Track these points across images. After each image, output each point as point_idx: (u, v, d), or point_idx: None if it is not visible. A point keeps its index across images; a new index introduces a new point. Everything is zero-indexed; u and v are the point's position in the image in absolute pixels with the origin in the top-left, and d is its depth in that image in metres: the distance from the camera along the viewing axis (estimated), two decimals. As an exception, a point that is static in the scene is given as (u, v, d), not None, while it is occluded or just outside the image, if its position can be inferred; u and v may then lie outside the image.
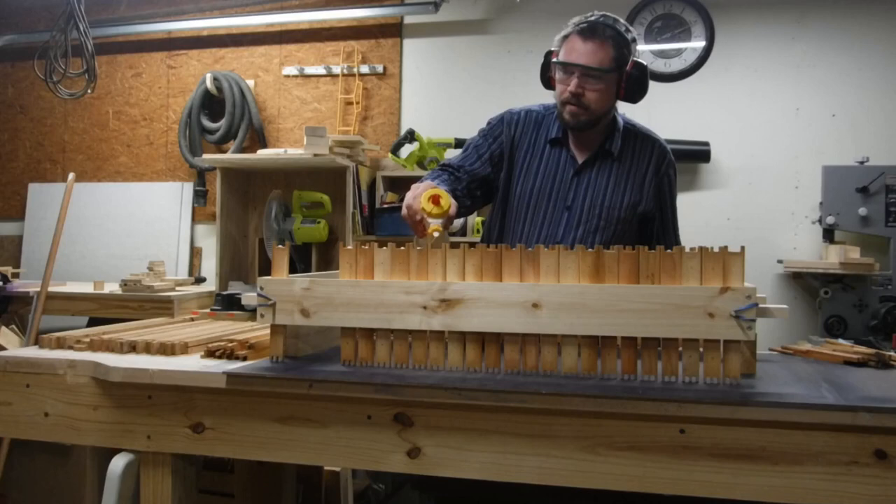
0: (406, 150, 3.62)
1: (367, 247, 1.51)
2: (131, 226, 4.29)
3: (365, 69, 4.09)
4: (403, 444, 1.39)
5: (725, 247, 1.36)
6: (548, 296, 1.38)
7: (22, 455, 3.10)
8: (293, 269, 3.61)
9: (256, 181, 4.08)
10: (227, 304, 3.31)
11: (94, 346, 1.68)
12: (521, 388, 1.33)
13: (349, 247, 1.53)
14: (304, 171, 3.96)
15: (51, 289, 3.47)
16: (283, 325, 1.52)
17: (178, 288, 3.70)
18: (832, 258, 3.31)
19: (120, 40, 4.42)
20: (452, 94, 4.03)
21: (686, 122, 3.72)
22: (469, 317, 1.42)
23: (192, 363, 1.56)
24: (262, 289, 1.51)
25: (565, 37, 1.96)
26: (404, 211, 1.78)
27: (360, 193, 3.78)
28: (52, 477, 3.02)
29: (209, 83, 4.06)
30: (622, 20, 1.97)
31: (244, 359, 1.58)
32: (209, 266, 4.12)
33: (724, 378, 1.36)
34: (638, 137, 2.08)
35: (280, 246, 1.56)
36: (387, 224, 3.76)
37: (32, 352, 1.68)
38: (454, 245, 1.53)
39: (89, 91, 3.58)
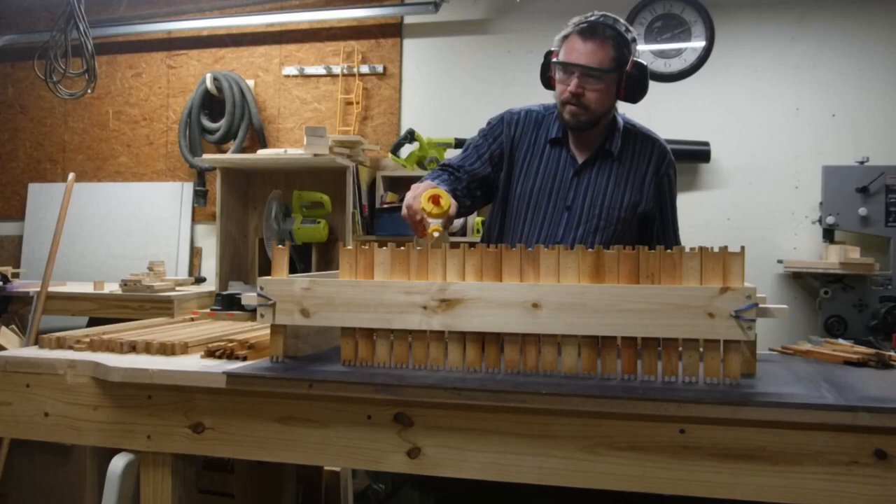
0: (406, 150, 3.62)
1: (367, 247, 1.51)
2: (131, 226, 4.29)
3: (365, 69, 4.09)
4: (403, 444, 1.39)
5: (725, 247, 1.36)
6: (548, 296, 1.38)
7: (22, 455, 3.10)
8: (293, 269, 3.61)
9: (256, 181, 4.08)
10: (227, 304, 3.31)
11: (94, 346, 1.68)
12: (521, 388, 1.33)
13: (349, 247, 1.53)
14: (304, 171, 3.96)
15: (51, 289, 3.47)
16: (283, 325, 1.52)
17: (178, 288, 3.69)
18: (832, 258, 3.31)
19: (120, 40, 4.42)
20: (452, 94, 4.03)
21: (686, 122, 3.72)
22: (469, 317, 1.42)
23: (192, 363, 1.56)
24: (262, 289, 1.51)
25: (565, 37, 1.96)
26: (404, 211, 1.78)
27: (360, 193, 3.78)
28: (52, 477, 3.02)
29: (209, 83, 4.06)
30: (622, 20, 1.97)
31: (244, 359, 1.58)
32: (209, 266, 4.12)
33: (724, 378, 1.36)
34: (638, 137, 2.08)
35: (280, 246, 1.56)
36: (387, 224, 3.76)
37: (32, 352, 1.68)
38: (454, 245, 1.53)
39: (89, 91, 3.58)
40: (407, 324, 1.45)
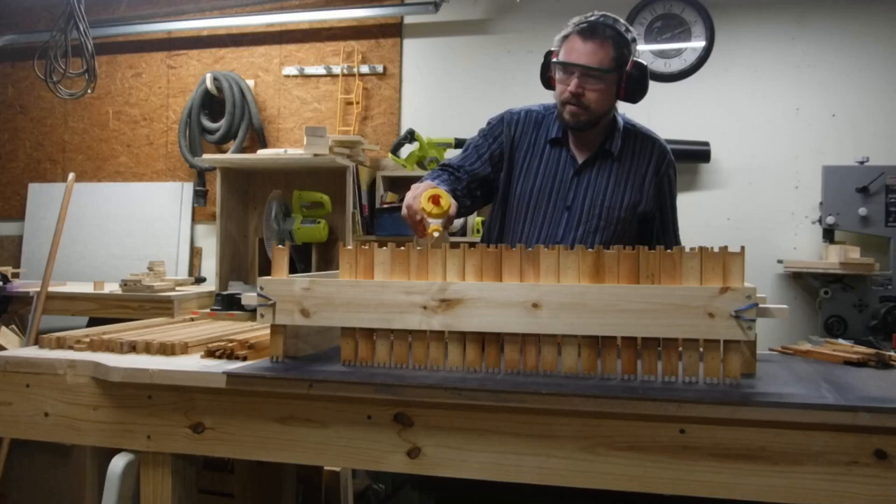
0: (406, 150, 3.62)
1: (367, 247, 1.51)
2: (131, 226, 4.29)
3: (365, 69, 4.09)
4: (403, 444, 1.39)
5: (725, 247, 1.36)
6: (548, 296, 1.38)
7: (22, 455, 3.10)
8: (293, 269, 3.61)
9: (256, 181, 4.08)
10: (227, 304, 3.31)
11: (94, 346, 1.68)
12: (521, 388, 1.33)
13: (349, 247, 1.53)
14: (304, 171, 3.96)
15: (51, 289, 3.47)
16: (283, 325, 1.52)
17: (178, 288, 3.69)
18: (832, 258, 3.31)
19: (120, 40, 4.42)
20: (452, 94, 4.03)
21: (686, 122, 3.72)
22: (469, 317, 1.42)
23: (192, 363, 1.56)
24: (262, 289, 1.51)
25: (565, 37, 1.96)
26: (404, 211, 1.78)
27: (360, 193, 3.78)
28: (52, 477, 3.02)
29: (209, 83, 4.06)
30: (622, 20, 1.97)
31: (244, 359, 1.58)
32: (209, 266, 4.12)
33: (724, 378, 1.36)
34: (638, 137, 2.08)
35: (280, 246, 1.56)
36: (387, 224, 3.76)
37: (32, 352, 1.68)
38: (454, 245, 1.53)
39: (89, 91, 3.58)
40: (407, 324, 1.45)
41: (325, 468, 2.64)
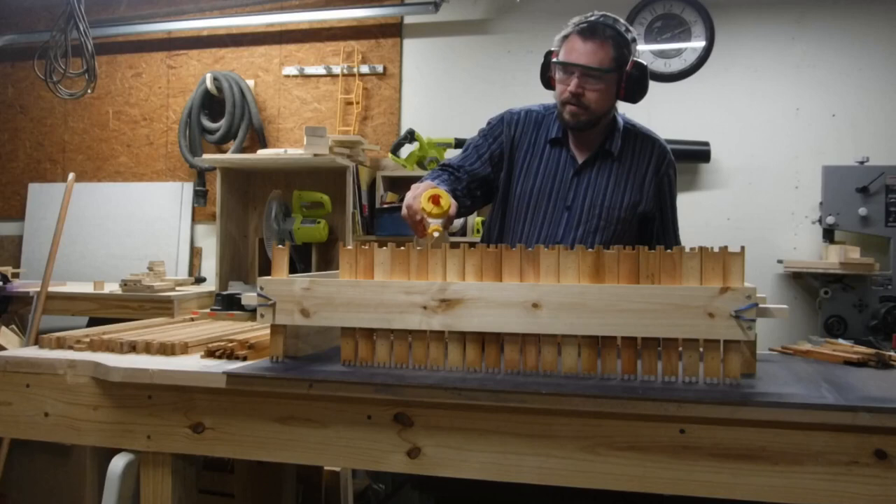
0: (406, 150, 3.62)
1: (367, 247, 1.51)
2: (131, 226, 4.29)
3: (365, 69, 4.09)
4: (403, 444, 1.39)
5: (725, 247, 1.36)
6: (548, 296, 1.38)
7: (22, 455, 3.10)
8: (293, 269, 3.61)
9: (256, 181, 4.08)
10: (227, 304, 3.31)
11: (94, 346, 1.68)
12: (521, 388, 1.33)
13: (349, 247, 1.53)
14: (304, 171, 3.96)
15: (51, 289, 3.47)
16: (283, 325, 1.52)
17: (178, 288, 3.69)
18: (832, 258, 3.31)
19: (120, 40, 4.42)
20: (452, 94, 4.03)
21: (686, 122, 3.72)
22: (469, 317, 1.42)
23: (192, 363, 1.56)
24: (262, 289, 1.51)
25: (565, 37, 1.96)
26: (404, 211, 1.78)
27: (360, 193, 3.78)
28: (52, 477, 3.02)
29: (209, 83, 4.06)
30: (622, 20, 1.97)
31: (244, 359, 1.58)
32: (209, 266, 4.12)
33: (724, 378, 1.36)
34: (638, 137, 2.08)
35: (280, 246, 1.56)
36: (387, 224, 3.76)
37: (32, 352, 1.68)
38: (454, 245, 1.53)
39: (89, 91, 3.58)
40: (407, 324, 1.45)
41: (325, 468, 2.64)
